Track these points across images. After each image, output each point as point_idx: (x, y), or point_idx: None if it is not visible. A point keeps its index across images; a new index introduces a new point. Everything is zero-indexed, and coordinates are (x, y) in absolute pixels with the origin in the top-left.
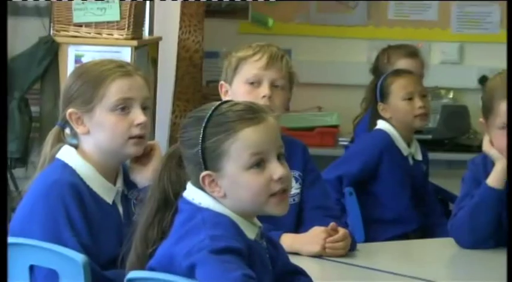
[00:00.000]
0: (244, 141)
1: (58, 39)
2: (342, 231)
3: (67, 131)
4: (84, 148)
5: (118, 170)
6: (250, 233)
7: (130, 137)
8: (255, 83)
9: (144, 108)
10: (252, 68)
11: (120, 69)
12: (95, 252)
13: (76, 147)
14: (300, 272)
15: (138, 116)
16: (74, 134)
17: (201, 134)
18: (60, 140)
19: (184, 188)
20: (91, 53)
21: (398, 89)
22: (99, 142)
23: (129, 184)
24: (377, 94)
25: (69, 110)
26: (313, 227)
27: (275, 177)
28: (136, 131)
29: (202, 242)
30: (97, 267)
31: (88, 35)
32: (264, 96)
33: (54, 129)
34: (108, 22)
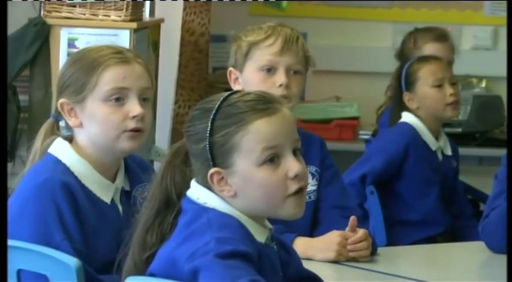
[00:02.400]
0: (256, 134)
1: (49, 20)
2: (361, 231)
3: (62, 124)
4: (78, 142)
5: (118, 165)
6: (260, 235)
7: (125, 131)
8: (269, 70)
9: (143, 100)
10: (265, 53)
11: (116, 55)
12: (89, 257)
13: (71, 139)
14: (314, 279)
15: (134, 107)
16: (69, 127)
17: (209, 127)
18: (53, 134)
19: (189, 187)
20: (85, 36)
21: (426, 75)
22: (92, 136)
23: (133, 180)
24: (401, 83)
25: (61, 100)
26: (330, 229)
27: (291, 175)
28: (131, 124)
29: (207, 244)
30: (92, 271)
31: (82, 16)
32: (280, 85)
33: (47, 123)
34: (104, 2)
